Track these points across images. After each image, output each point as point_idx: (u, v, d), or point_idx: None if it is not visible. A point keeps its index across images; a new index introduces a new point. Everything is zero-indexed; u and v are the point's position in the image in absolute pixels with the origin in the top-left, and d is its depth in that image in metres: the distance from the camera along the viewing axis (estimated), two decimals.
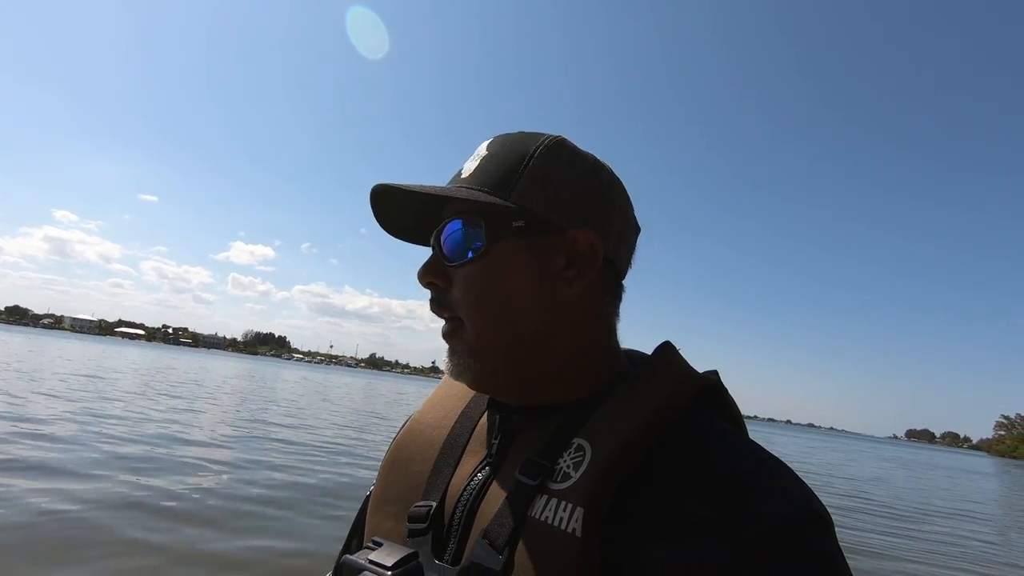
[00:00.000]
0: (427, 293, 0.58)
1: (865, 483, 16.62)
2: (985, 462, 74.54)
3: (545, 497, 0.48)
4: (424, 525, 0.54)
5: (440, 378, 0.69)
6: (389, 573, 0.47)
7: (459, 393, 0.66)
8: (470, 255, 0.55)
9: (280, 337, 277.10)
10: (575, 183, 0.57)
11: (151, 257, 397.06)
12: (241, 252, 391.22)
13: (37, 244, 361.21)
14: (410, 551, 0.50)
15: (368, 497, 0.64)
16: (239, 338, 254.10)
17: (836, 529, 0.46)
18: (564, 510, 0.46)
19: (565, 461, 0.49)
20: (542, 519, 0.47)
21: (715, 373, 0.57)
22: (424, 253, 0.60)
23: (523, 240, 0.55)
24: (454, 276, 0.56)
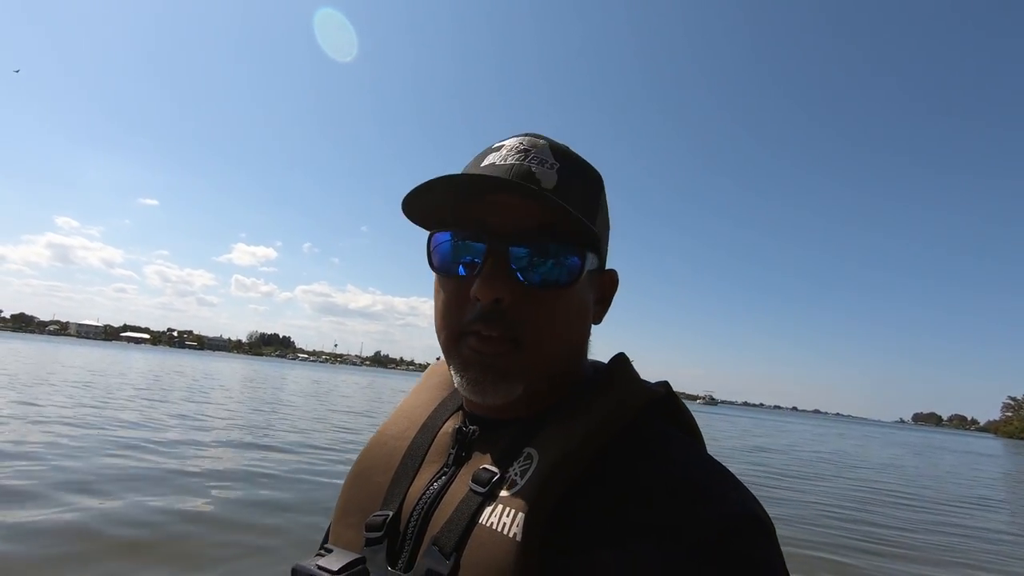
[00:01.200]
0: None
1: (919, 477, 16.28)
2: (995, 444, 74.33)
3: (493, 504, 0.50)
4: (380, 534, 0.55)
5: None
6: None
7: (423, 404, 0.67)
8: (558, 281, 0.53)
9: (284, 337, 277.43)
10: (607, 221, 0.61)
11: (154, 261, 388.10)
12: (243, 254, 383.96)
13: (40, 251, 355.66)
14: (357, 556, 0.52)
15: None
16: (244, 339, 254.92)
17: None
18: (507, 516, 0.48)
19: (514, 469, 0.51)
20: (488, 525, 0.48)
21: (665, 384, 0.59)
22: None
23: (590, 274, 0.57)
24: (527, 295, 0.53)
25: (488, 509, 0.49)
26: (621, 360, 0.61)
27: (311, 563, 0.52)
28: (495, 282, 0.52)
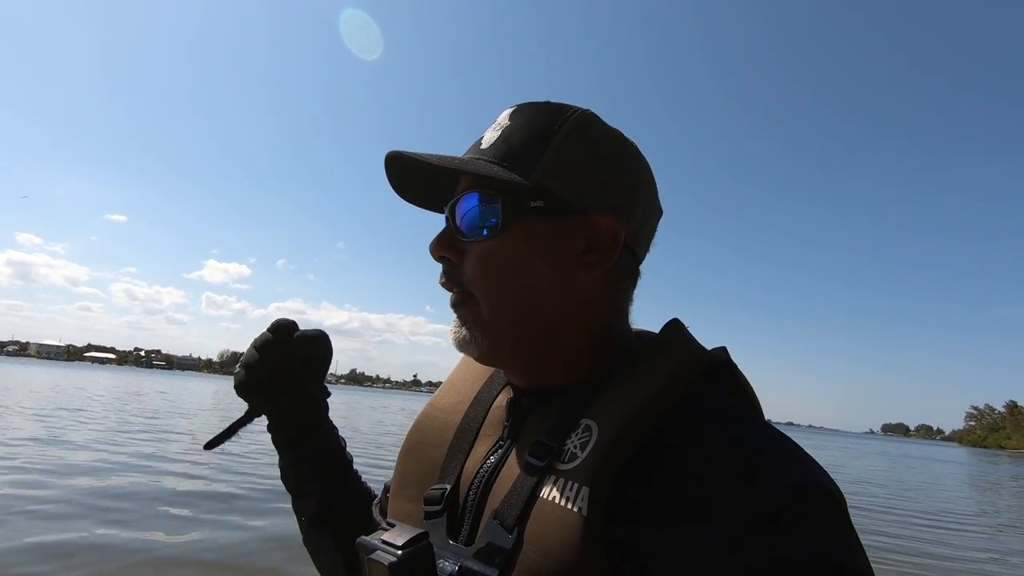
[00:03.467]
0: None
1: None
2: (961, 452, 76.79)
3: (553, 477, 0.49)
4: (439, 507, 0.56)
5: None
6: (399, 552, 0.49)
7: (473, 377, 0.67)
8: (485, 231, 0.55)
9: None
10: (600, 163, 0.56)
11: (121, 279, 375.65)
12: (215, 270, 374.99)
13: None
14: (420, 531, 0.52)
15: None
16: (215, 359, 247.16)
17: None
18: (570, 490, 0.47)
19: (572, 442, 0.50)
20: (550, 499, 0.48)
21: (723, 350, 0.56)
22: (432, 228, 0.59)
23: (542, 220, 0.54)
24: (467, 251, 0.56)
25: (548, 483, 0.49)
26: (675, 325, 0.58)
27: (375, 537, 0.52)
28: (439, 242, 0.57)
